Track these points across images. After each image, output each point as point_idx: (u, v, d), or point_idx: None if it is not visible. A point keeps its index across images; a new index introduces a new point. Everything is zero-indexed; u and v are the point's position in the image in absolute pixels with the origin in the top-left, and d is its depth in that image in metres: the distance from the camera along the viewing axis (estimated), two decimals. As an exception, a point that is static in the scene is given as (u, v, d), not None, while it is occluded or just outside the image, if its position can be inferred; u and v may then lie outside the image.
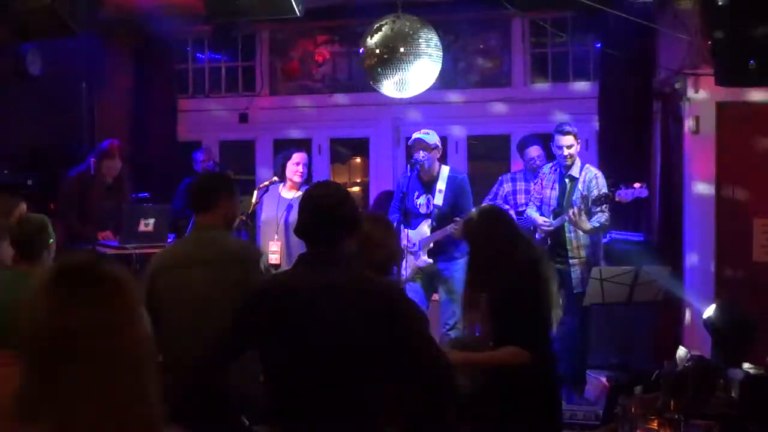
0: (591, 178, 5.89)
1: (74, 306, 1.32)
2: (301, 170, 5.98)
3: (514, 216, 5.31)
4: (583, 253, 5.84)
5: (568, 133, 5.86)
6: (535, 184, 6.24)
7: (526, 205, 6.32)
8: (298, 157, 6.00)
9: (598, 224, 5.75)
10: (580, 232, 5.79)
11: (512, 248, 3.60)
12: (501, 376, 3.53)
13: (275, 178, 6.06)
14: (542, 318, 3.57)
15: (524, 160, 6.71)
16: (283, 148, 6.53)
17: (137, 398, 1.34)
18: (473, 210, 4.32)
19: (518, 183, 6.73)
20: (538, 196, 6.12)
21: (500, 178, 6.88)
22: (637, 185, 5.64)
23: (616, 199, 5.64)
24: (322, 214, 2.71)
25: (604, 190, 5.78)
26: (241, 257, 3.48)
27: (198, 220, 3.62)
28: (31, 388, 1.32)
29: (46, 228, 3.85)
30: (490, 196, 6.78)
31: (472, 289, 3.85)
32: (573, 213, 5.66)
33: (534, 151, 6.62)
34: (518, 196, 6.68)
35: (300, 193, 5.63)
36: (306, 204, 2.79)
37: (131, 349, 1.36)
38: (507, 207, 6.32)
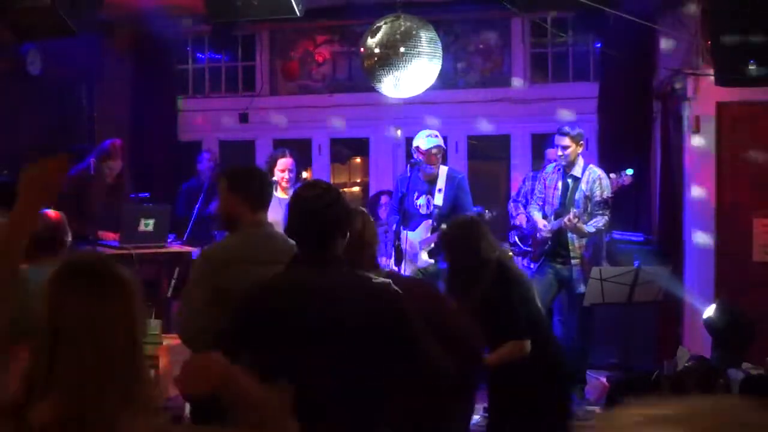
0: (594, 179, 5.88)
1: (75, 299, 1.58)
2: (287, 176, 5.81)
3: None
4: (584, 253, 5.84)
5: (564, 134, 5.86)
6: (538, 183, 6.23)
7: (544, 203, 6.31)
8: (282, 164, 5.82)
9: (594, 229, 5.77)
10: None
11: (482, 256, 3.94)
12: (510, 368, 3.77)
13: (274, 178, 6.03)
14: (524, 311, 3.92)
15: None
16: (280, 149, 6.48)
17: (135, 379, 1.60)
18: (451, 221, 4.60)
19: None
20: (540, 196, 6.11)
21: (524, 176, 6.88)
22: (623, 173, 5.70)
23: (614, 188, 5.67)
24: (310, 215, 2.70)
25: (607, 192, 5.78)
26: None
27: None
28: (40, 370, 1.55)
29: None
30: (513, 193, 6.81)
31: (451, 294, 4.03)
32: (569, 219, 5.65)
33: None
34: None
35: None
36: (294, 205, 2.78)
37: (126, 339, 1.60)
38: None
